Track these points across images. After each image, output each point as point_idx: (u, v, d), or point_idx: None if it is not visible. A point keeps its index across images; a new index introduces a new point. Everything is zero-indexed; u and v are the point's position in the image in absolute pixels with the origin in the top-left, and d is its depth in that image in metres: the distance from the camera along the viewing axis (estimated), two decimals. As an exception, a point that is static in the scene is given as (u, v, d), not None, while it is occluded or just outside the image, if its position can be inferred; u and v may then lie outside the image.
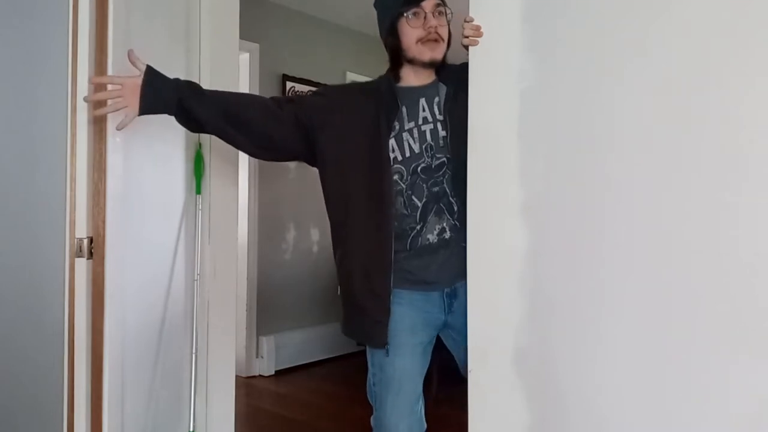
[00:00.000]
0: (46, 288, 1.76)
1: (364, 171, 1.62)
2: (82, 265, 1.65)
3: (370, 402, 1.73)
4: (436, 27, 1.60)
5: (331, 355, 4.26)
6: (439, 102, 1.66)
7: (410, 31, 1.61)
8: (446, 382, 2.29)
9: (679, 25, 1.20)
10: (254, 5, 3.71)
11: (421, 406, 1.70)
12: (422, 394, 1.71)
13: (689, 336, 1.18)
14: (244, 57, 3.77)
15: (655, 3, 1.23)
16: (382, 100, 1.65)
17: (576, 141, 1.34)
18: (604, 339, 1.28)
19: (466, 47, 1.53)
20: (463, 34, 1.52)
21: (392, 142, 1.62)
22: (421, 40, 1.60)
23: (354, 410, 2.99)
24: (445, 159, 1.63)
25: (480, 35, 1.49)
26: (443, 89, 1.67)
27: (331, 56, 4.40)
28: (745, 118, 1.13)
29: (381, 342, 1.61)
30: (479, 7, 1.50)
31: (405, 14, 1.60)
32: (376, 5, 1.72)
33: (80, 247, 1.65)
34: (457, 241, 1.62)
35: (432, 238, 1.64)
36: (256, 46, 3.87)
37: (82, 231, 1.66)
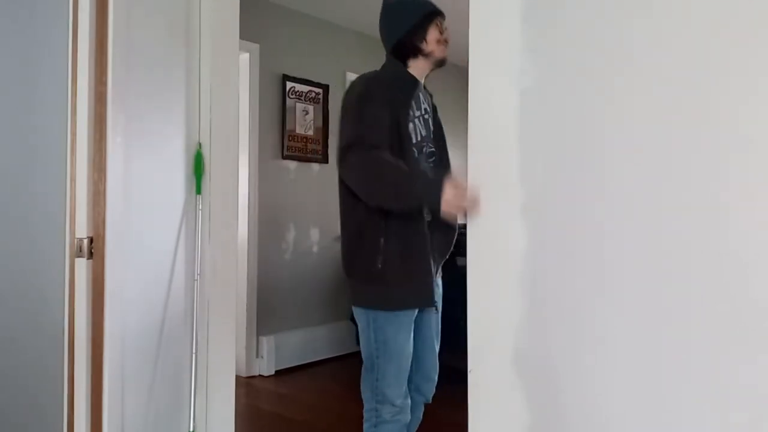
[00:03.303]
0: (47, 288, 1.76)
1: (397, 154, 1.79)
2: (82, 265, 1.65)
3: (369, 370, 1.87)
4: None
5: (330, 355, 4.26)
6: (427, 100, 1.97)
7: (436, 33, 1.90)
8: (446, 382, 2.30)
9: (680, 25, 1.20)
10: (254, 5, 3.71)
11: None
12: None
13: (689, 336, 1.18)
14: (244, 57, 3.77)
15: (656, 3, 1.23)
16: (403, 87, 1.87)
17: (576, 141, 1.34)
18: (604, 339, 1.28)
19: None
20: None
21: (410, 125, 1.84)
22: (439, 41, 1.90)
23: (354, 410, 2.98)
24: (434, 149, 1.91)
25: None
26: (427, 95, 1.98)
27: (331, 56, 4.40)
28: (745, 118, 1.13)
29: (431, 300, 1.84)
30: (479, 7, 1.50)
31: (437, 19, 1.90)
32: (394, 4, 1.93)
33: (80, 247, 1.65)
34: (436, 227, 1.82)
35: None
36: (256, 46, 3.87)
37: (82, 231, 1.66)
